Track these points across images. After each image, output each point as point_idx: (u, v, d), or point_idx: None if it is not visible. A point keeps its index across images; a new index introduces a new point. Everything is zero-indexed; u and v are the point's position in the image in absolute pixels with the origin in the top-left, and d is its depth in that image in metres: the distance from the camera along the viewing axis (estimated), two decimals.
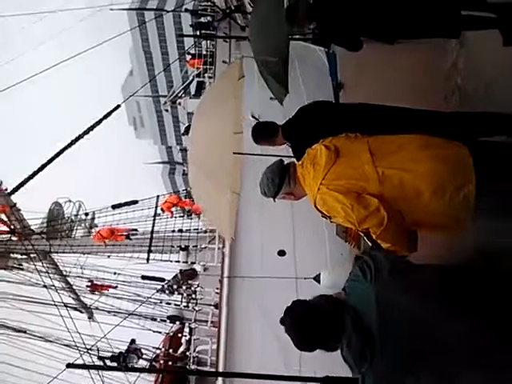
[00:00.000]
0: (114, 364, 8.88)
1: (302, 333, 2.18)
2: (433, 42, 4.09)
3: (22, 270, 11.79)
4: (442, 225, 2.62)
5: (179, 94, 15.46)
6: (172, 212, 12.59)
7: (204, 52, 15.75)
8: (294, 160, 3.09)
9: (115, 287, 11.67)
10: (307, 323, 2.17)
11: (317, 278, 7.49)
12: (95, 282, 12.08)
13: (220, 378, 7.64)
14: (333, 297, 2.35)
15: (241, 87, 5.54)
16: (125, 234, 12.05)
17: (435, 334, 1.86)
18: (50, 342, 10.40)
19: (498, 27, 3.11)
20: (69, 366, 6.86)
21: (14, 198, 11.94)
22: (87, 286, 12.01)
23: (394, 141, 2.70)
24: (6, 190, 11.82)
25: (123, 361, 9.18)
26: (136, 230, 12.23)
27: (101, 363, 8.46)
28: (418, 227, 2.72)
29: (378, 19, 3.14)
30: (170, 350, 9.72)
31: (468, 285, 2.03)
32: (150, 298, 11.09)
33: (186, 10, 17.92)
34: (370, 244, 3.02)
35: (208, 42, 15.60)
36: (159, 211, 12.31)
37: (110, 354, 9.10)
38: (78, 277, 12.07)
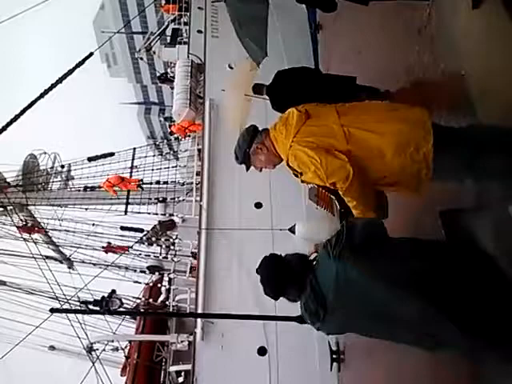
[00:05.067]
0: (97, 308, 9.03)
1: (268, 282, 2.51)
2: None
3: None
4: (405, 182, 2.80)
5: (154, 41, 14.91)
6: (185, 135, 11.91)
7: None
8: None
9: (131, 247, 11.47)
10: (274, 274, 2.50)
11: (292, 229, 7.72)
12: (112, 244, 11.83)
13: (199, 321, 7.97)
14: (306, 258, 2.58)
15: None
16: (137, 182, 11.53)
17: (383, 316, 2.19)
18: (30, 293, 10.54)
19: None
20: (52, 310, 7.00)
21: None
22: (103, 247, 11.77)
23: (359, 105, 2.94)
24: None
25: (106, 305, 9.33)
26: (142, 180, 11.80)
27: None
28: (383, 185, 2.88)
29: None
30: (150, 300, 10.03)
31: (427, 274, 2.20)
32: (130, 248, 11.27)
33: None
34: (339, 207, 3.17)
35: None
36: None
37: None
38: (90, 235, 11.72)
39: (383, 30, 5.42)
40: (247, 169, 3.08)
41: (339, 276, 2.20)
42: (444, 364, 3.39)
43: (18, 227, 12.17)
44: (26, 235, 12.16)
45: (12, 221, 11.98)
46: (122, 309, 9.78)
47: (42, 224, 12.45)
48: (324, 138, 2.71)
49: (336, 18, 7.16)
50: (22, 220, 11.90)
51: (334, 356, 7.33)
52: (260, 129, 3.05)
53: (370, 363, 5.76)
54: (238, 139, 3.02)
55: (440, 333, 2.14)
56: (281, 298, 2.53)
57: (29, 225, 12.50)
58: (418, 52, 4.28)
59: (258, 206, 9.30)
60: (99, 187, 11.78)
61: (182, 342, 8.26)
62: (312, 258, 2.58)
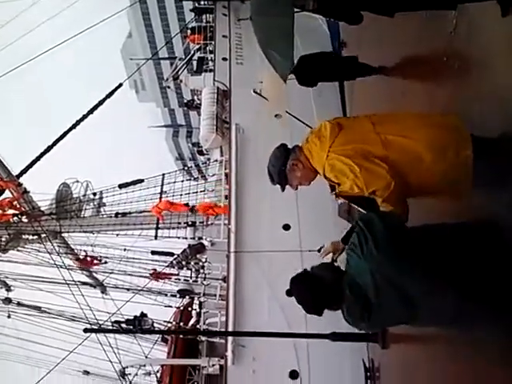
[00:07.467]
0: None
1: (307, 303, 2.53)
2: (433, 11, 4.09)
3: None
4: (446, 188, 2.76)
5: (181, 70, 15.32)
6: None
7: (203, 24, 15.58)
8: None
9: (177, 274, 11.53)
10: (310, 294, 2.50)
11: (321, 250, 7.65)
12: (158, 270, 11.71)
13: (230, 343, 7.89)
14: (333, 265, 2.64)
15: None
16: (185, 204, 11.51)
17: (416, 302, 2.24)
18: (64, 318, 10.68)
19: None
20: (86, 330, 7.12)
21: (21, 179, 12.08)
22: (150, 275, 11.71)
23: (393, 114, 3.01)
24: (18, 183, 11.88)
25: (138, 324, 9.29)
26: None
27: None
28: (424, 193, 2.82)
29: None
30: (181, 324, 10.01)
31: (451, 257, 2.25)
32: (161, 272, 11.31)
33: None
34: None
35: (207, 15, 15.42)
36: None
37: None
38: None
39: (409, 42, 5.43)
40: (283, 189, 3.03)
41: (375, 276, 2.24)
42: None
43: (78, 260, 12.47)
44: (84, 267, 12.45)
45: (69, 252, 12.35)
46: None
47: (95, 254, 12.64)
48: (361, 144, 2.70)
49: (361, 32, 7.22)
50: (54, 247, 12.14)
51: (369, 374, 7.11)
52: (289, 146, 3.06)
53: (408, 381, 5.54)
54: (270, 160, 3.01)
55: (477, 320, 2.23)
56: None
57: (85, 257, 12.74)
58: (445, 63, 4.26)
59: (286, 227, 9.28)
60: (146, 211, 11.83)
61: (213, 365, 8.19)
62: (334, 258, 2.62)
